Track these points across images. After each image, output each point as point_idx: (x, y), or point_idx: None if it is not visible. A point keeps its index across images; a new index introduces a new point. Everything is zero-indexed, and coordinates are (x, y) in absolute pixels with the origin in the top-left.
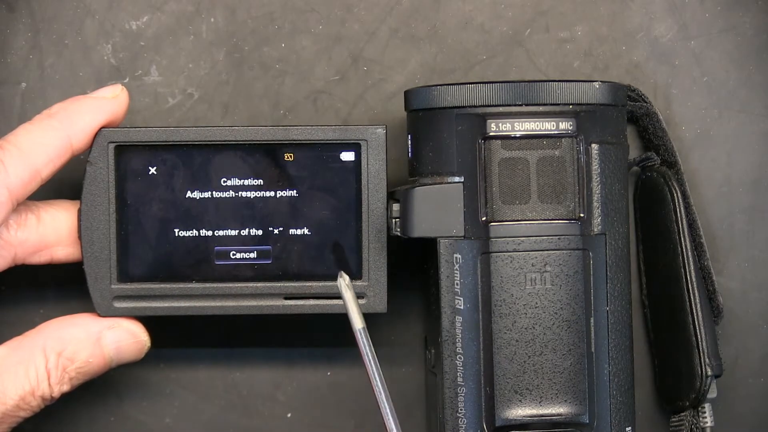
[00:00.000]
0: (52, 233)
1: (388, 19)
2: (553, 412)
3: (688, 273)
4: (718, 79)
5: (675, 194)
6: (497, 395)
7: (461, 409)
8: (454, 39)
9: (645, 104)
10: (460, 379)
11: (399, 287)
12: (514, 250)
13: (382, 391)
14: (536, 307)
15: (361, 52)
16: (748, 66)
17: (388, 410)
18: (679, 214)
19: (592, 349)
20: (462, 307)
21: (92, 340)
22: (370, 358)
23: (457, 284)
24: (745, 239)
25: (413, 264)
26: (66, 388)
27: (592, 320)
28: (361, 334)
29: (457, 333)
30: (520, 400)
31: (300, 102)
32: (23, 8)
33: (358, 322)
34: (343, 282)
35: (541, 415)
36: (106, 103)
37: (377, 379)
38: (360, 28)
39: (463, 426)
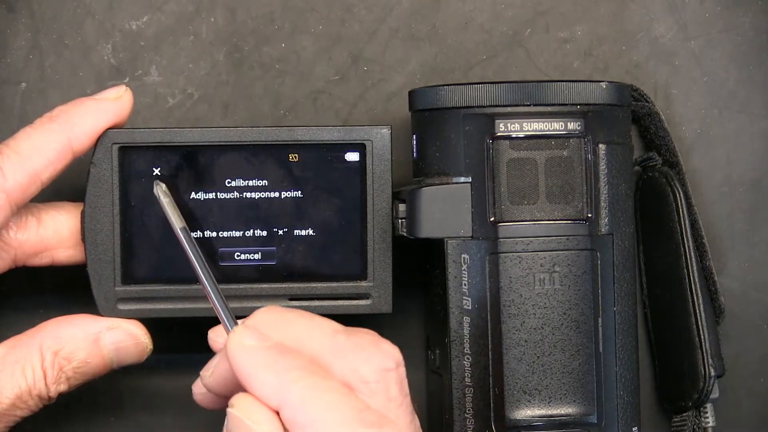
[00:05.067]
0: (53, 235)
1: (388, 19)
2: (562, 412)
3: (690, 273)
4: (718, 79)
5: (677, 194)
6: (506, 396)
7: (469, 410)
8: (454, 39)
9: (647, 104)
10: (468, 380)
11: (400, 287)
12: (523, 251)
13: (209, 284)
14: (545, 308)
15: (361, 52)
16: (748, 66)
17: (216, 301)
18: (681, 215)
19: (600, 350)
20: (470, 308)
21: (90, 340)
22: (195, 254)
23: (464, 285)
24: (745, 239)
25: (413, 264)
26: (63, 387)
27: (599, 320)
28: (181, 234)
29: (465, 334)
30: (529, 401)
31: (300, 102)
32: (23, 8)
33: (178, 223)
34: (160, 189)
35: (550, 416)
36: (109, 105)
37: (203, 273)
38: (360, 28)
39: (471, 427)
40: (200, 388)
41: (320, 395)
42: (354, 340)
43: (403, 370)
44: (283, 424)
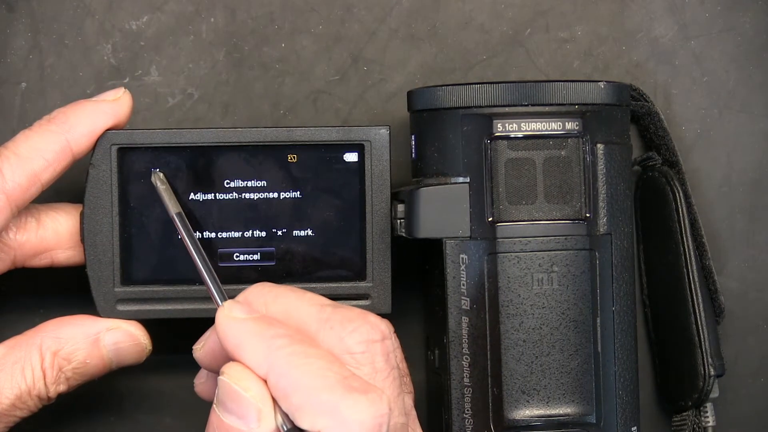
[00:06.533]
0: (52, 236)
1: (388, 19)
2: (561, 412)
3: (690, 273)
4: (718, 79)
5: (677, 194)
6: (505, 396)
7: (468, 410)
8: (454, 39)
9: (647, 104)
10: (466, 380)
11: (399, 288)
12: (521, 251)
13: (200, 262)
14: (543, 308)
15: (361, 52)
16: (748, 66)
17: (208, 278)
18: (681, 214)
19: (599, 349)
20: (468, 308)
21: (90, 340)
22: (189, 236)
23: (463, 285)
24: (745, 239)
25: (412, 264)
26: (63, 388)
27: (598, 320)
28: (176, 218)
29: (463, 334)
30: (528, 401)
31: (300, 102)
32: (23, 8)
33: (174, 208)
34: (157, 177)
35: (549, 416)
36: (107, 107)
37: (198, 256)
38: (360, 28)
39: (470, 427)
40: (201, 379)
41: (305, 362)
42: (341, 312)
43: (390, 343)
44: (271, 392)
